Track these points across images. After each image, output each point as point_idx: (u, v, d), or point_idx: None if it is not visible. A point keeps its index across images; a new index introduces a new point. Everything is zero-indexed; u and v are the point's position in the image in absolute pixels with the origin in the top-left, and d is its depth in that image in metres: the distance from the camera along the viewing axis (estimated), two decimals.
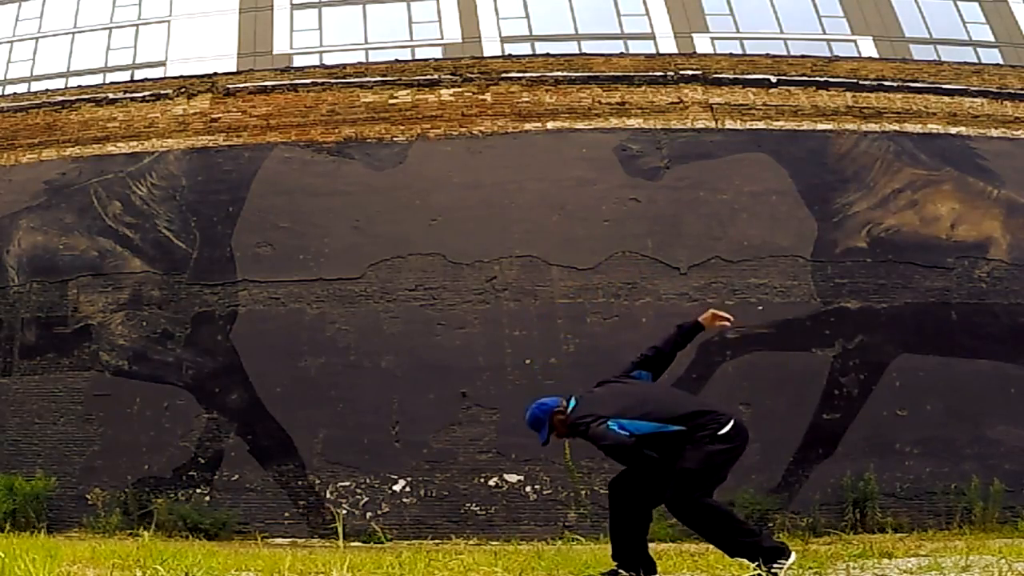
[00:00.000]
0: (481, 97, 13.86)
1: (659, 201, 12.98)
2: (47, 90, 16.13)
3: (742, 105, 13.73)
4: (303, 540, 10.57)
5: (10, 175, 13.96)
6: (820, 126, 13.60)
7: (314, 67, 15.98)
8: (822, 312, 12.22)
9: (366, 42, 21.54)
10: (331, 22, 22.13)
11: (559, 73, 14.05)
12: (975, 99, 13.98)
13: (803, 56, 15.41)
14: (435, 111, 13.77)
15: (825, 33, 21.45)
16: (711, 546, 4.41)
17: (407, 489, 11.34)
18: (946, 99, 13.93)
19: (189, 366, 12.23)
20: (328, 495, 11.39)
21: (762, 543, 3.96)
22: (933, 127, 13.68)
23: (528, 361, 11.90)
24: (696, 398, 4.74)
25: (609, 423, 4.20)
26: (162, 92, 14.32)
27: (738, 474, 11.10)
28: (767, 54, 15.15)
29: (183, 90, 14.29)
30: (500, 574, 4.20)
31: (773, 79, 13.95)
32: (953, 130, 13.67)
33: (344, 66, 14.90)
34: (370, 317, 12.27)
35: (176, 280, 12.80)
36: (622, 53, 17.50)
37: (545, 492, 11.26)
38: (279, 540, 10.54)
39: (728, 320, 4.63)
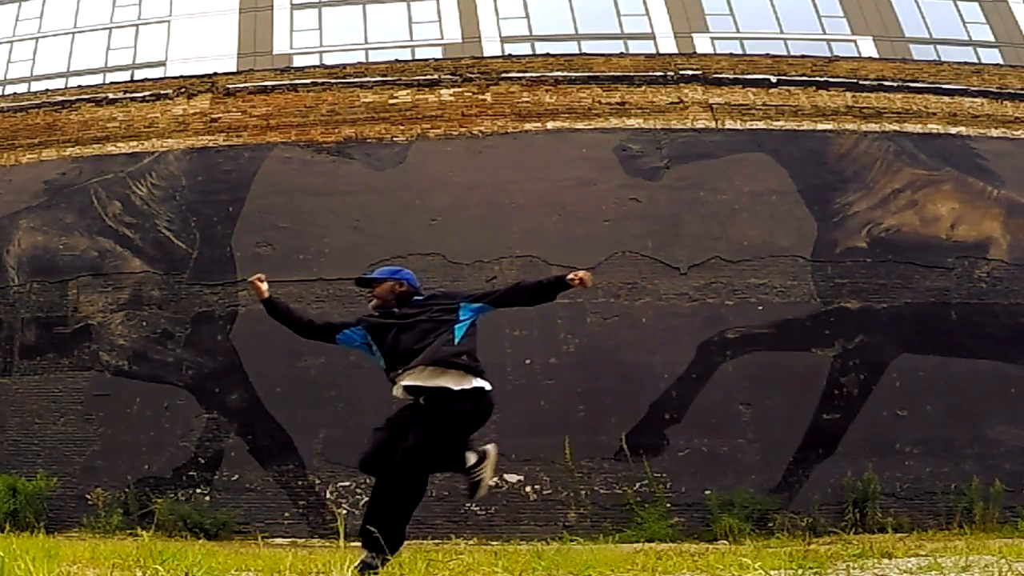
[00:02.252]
0: (481, 97, 13.86)
1: (659, 201, 12.98)
2: (47, 90, 16.14)
3: (742, 105, 13.74)
4: (303, 540, 10.56)
5: (10, 175, 13.96)
6: (820, 126, 13.60)
7: (314, 67, 15.99)
8: (822, 312, 12.22)
9: (366, 42, 21.56)
10: (331, 22, 22.14)
11: (559, 73, 14.05)
12: (975, 99, 13.98)
13: (803, 56, 15.42)
14: (435, 111, 13.77)
15: (825, 33, 21.47)
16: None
17: None
18: (946, 99, 13.93)
19: (189, 366, 12.23)
20: (328, 495, 11.39)
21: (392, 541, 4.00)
22: (933, 127, 13.68)
23: (528, 361, 11.90)
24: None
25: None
26: (162, 92, 14.32)
27: (738, 474, 11.19)
28: (767, 54, 15.15)
29: (183, 90, 14.29)
30: (500, 574, 4.20)
31: (773, 79, 13.95)
32: (953, 130, 13.67)
33: (344, 66, 14.90)
34: None
35: (176, 280, 12.80)
36: (622, 53, 17.52)
37: (545, 492, 11.26)
38: (279, 540, 10.53)
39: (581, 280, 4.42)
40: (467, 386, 4.22)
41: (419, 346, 4.29)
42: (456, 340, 4.32)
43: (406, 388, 4.28)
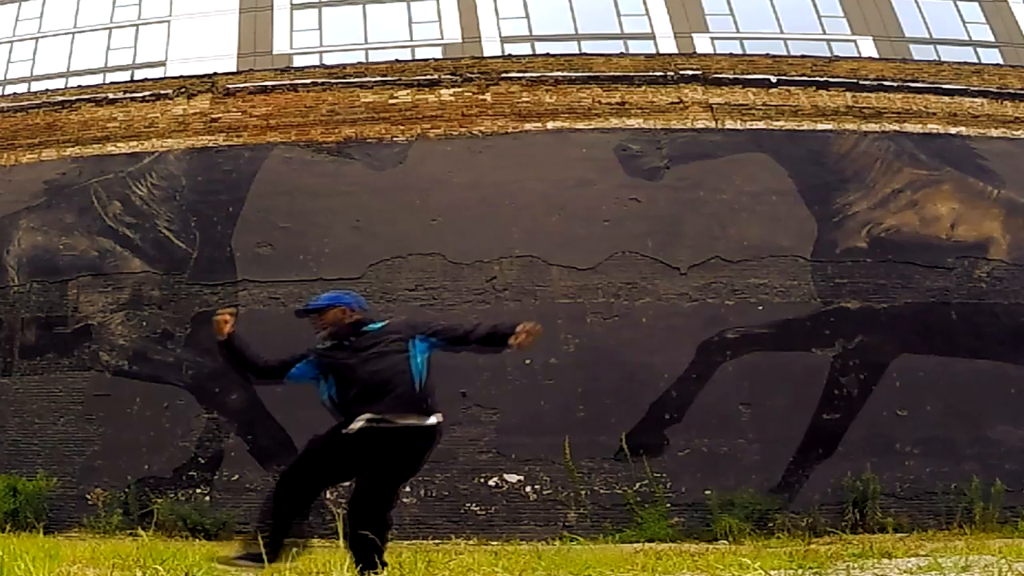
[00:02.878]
0: (481, 97, 13.86)
1: (659, 201, 12.98)
2: (47, 90, 16.12)
3: (742, 105, 13.73)
4: (303, 540, 10.55)
5: (10, 175, 13.96)
6: (820, 126, 13.60)
7: (314, 67, 15.98)
8: (822, 312, 12.22)
9: (366, 42, 21.53)
10: (331, 22, 22.11)
11: (559, 73, 14.04)
12: (975, 99, 13.98)
13: (803, 56, 15.41)
14: (435, 111, 13.77)
15: (825, 33, 21.44)
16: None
17: (407, 489, 11.31)
18: (946, 99, 13.92)
19: (189, 366, 12.22)
20: (328, 495, 11.36)
21: (381, 559, 4.07)
22: (933, 127, 13.67)
23: (528, 361, 11.90)
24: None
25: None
26: (162, 92, 14.32)
27: (738, 474, 11.19)
28: (767, 54, 15.14)
29: (183, 90, 14.28)
30: (500, 574, 4.20)
31: (773, 79, 13.95)
32: (953, 130, 13.66)
33: (344, 66, 14.89)
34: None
35: (176, 280, 12.80)
36: (622, 53, 17.50)
37: (545, 492, 11.26)
38: None
39: (526, 337, 4.26)
40: (424, 423, 4.17)
41: (375, 380, 4.16)
42: (420, 382, 4.23)
43: (364, 429, 4.10)
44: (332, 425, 4.31)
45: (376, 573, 3.96)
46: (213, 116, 13.99)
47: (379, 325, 4.48)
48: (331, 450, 4.25)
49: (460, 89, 13.92)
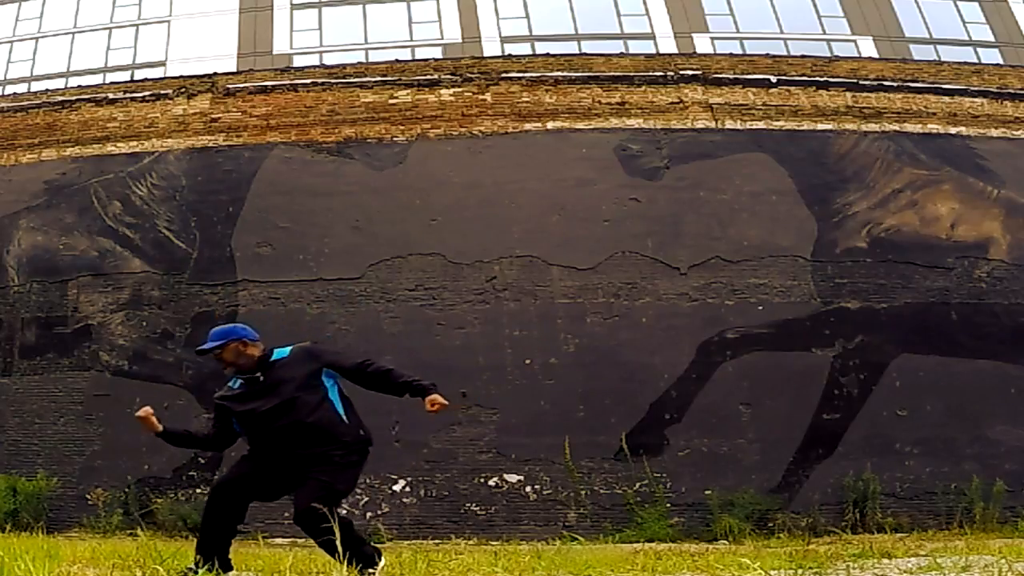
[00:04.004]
0: (481, 97, 13.86)
1: (659, 201, 12.98)
2: (47, 90, 16.12)
3: (742, 105, 13.73)
4: (303, 540, 10.55)
5: (10, 175, 13.96)
6: (820, 126, 13.60)
7: (314, 67, 15.98)
8: (822, 312, 12.22)
9: (366, 42, 21.53)
10: (331, 22, 22.12)
11: (559, 73, 14.05)
12: (975, 99, 13.98)
13: (803, 56, 15.41)
14: (435, 111, 13.77)
15: (825, 33, 21.45)
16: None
17: (407, 489, 11.34)
18: (946, 99, 13.93)
19: (189, 366, 12.22)
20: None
21: (367, 549, 4.14)
22: (933, 127, 13.67)
23: (528, 361, 11.90)
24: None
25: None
26: (162, 92, 14.32)
27: (738, 474, 11.19)
28: (767, 54, 15.14)
29: (183, 90, 14.28)
30: (500, 574, 4.20)
31: (773, 79, 13.95)
32: (953, 130, 13.67)
33: (344, 66, 14.90)
34: (370, 317, 12.27)
35: (176, 280, 12.80)
36: (622, 53, 17.49)
37: (545, 492, 11.26)
38: (279, 540, 10.52)
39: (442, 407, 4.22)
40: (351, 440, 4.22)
41: (291, 419, 4.14)
42: (344, 415, 4.22)
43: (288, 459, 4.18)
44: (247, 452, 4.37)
45: (373, 569, 3.96)
46: (213, 116, 13.99)
47: (287, 351, 4.42)
48: (263, 463, 4.29)
49: (460, 89, 13.92)
